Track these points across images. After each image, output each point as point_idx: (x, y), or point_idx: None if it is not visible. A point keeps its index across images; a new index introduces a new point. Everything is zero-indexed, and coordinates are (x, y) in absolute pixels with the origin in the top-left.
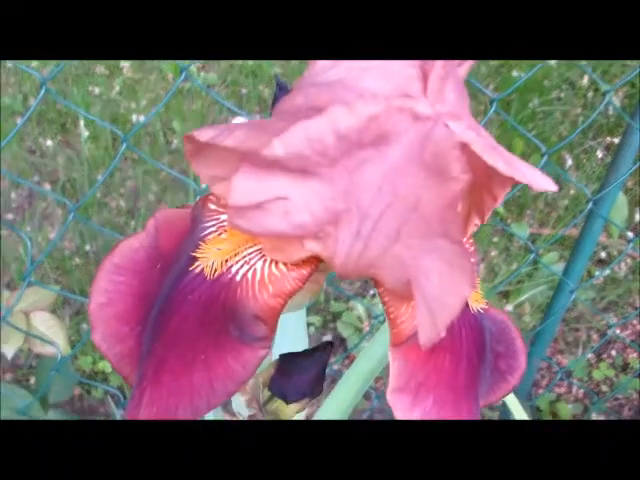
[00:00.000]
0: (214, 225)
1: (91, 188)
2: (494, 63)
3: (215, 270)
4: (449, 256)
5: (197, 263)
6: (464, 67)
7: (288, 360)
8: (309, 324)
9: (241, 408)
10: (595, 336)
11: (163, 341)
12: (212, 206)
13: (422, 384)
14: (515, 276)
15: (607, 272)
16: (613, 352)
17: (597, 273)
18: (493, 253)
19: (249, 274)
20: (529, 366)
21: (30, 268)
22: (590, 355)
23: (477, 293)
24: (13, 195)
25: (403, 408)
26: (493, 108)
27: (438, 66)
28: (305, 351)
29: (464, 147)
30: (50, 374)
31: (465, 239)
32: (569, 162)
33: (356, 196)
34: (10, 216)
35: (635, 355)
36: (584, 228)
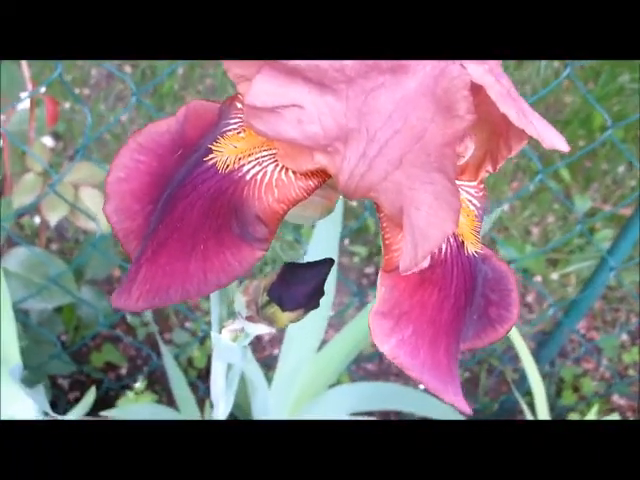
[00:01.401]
0: (236, 123)
1: (168, 78)
2: None
3: (227, 166)
4: (440, 191)
5: (212, 156)
6: None
7: (290, 269)
8: (355, 253)
9: (241, 308)
10: (634, 319)
11: (167, 224)
12: (238, 104)
13: (405, 313)
14: (561, 244)
15: None
16: None
17: None
18: (550, 219)
19: (259, 175)
20: (557, 335)
21: (85, 142)
22: (625, 337)
23: (474, 236)
24: (94, 72)
25: (382, 332)
26: (567, 71)
27: None
28: (306, 263)
29: (477, 89)
30: (87, 248)
31: (476, 183)
32: None
33: (367, 118)
34: (87, 91)
35: None
36: (636, 209)
